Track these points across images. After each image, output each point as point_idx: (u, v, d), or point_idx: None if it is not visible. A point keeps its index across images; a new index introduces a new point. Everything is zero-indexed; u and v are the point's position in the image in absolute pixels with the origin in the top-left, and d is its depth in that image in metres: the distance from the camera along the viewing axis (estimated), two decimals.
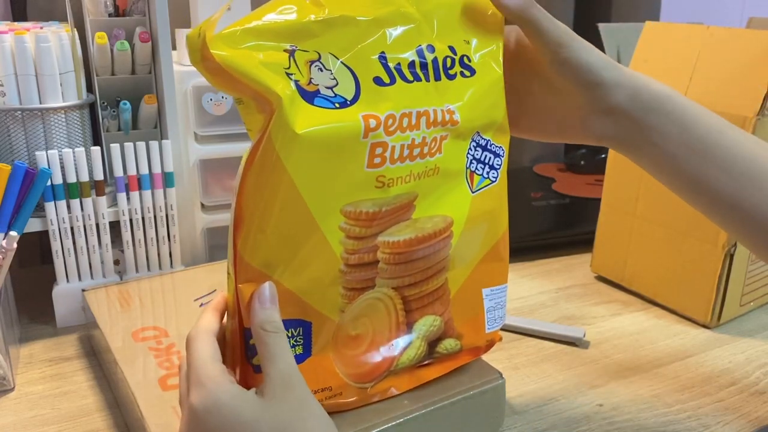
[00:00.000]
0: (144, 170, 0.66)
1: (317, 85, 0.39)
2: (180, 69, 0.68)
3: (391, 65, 0.42)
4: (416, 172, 0.43)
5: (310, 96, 0.39)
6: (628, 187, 0.73)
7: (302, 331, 0.42)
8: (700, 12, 1.40)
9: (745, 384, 0.58)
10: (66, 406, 0.54)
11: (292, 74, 0.39)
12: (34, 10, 0.78)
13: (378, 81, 0.41)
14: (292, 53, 0.39)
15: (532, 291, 0.76)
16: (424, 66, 0.43)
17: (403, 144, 0.42)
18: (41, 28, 0.64)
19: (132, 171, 0.65)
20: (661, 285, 0.72)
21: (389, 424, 0.45)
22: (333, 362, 0.44)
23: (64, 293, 0.66)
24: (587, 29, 1.13)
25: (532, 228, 0.90)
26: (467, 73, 0.46)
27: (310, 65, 0.40)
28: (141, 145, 0.65)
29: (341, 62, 0.41)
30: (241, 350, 0.40)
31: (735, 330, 0.68)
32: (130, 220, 0.67)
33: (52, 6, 0.78)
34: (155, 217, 0.68)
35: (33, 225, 0.63)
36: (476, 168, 0.47)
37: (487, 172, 0.48)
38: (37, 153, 0.61)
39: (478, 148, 0.47)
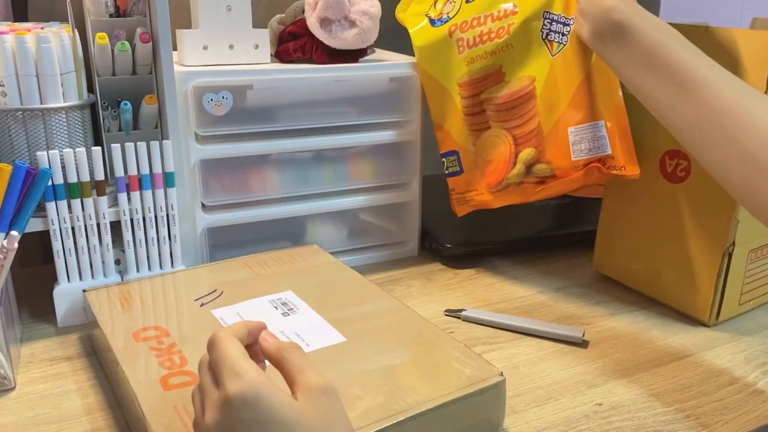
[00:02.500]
0: (145, 170, 0.66)
1: (444, 13, 0.77)
2: (181, 69, 0.68)
3: None
4: (489, 50, 0.73)
5: (435, 22, 0.77)
6: (628, 187, 0.74)
7: (456, 157, 0.79)
8: (699, 12, 1.40)
9: (744, 383, 0.58)
10: (67, 406, 0.55)
11: (428, 13, 0.79)
12: (35, 10, 0.79)
13: (468, 0, 0.75)
14: (435, 1, 0.79)
15: (531, 290, 0.76)
16: None
17: (473, 36, 0.74)
18: (42, 28, 0.64)
19: (133, 171, 0.65)
20: (660, 283, 0.72)
21: (389, 423, 0.45)
22: (475, 175, 0.77)
23: (65, 293, 0.66)
24: None
25: (532, 228, 0.90)
26: None
27: (447, 1, 0.77)
28: (142, 145, 0.65)
29: None
30: None
31: (734, 329, 0.68)
32: (131, 220, 0.67)
33: (52, 6, 0.78)
34: (156, 217, 0.68)
35: (34, 225, 0.63)
36: (554, 37, 0.70)
37: (560, 38, 0.69)
38: (38, 153, 0.61)
39: (553, 23, 0.70)
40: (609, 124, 0.68)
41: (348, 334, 0.56)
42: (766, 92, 0.60)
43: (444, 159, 0.79)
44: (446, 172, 0.79)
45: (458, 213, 0.81)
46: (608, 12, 0.58)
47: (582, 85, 0.68)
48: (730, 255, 0.65)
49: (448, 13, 0.76)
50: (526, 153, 0.72)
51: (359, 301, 0.63)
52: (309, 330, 0.57)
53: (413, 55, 0.79)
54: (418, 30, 0.77)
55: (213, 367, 0.38)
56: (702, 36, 0.67)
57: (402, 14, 0.83)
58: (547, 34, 0.69)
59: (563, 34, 0.68)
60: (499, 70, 0.72)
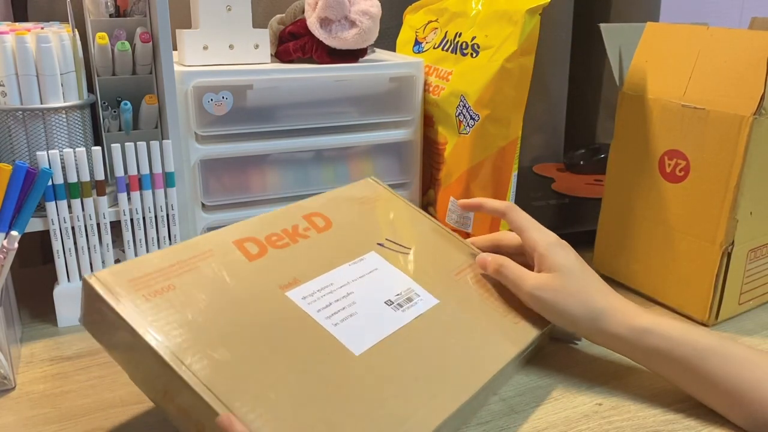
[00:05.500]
0: (145, 170, 0.66)
1: (426, 41, 0.83)
2: (181, 69, 0.68)
3: (446, 39, 0.80)
4: (428, 99, 0.80)
5: (417, 44, 0.84)
6: (628, 186, 0.74)
7: None
8: (699, 12, 1.40)
9: None
10: (67, 405, 0.55)
11: (417, 32, 0.85)
12: (35, 10, 0.79)
13: (436, 46, 0.81)
14: (429, 22, 0.84)
15: None
16: (455, 45, 0.78)
17: (426, 79, 0.80)
18: (42, 28, 0.64)
19: (133, 171, 0.65)
20: (659, 283, 0.72)
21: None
22: None
23: (65, 293, 0.66)
24: (587, 29, 1.13)
25: None
26: (473, 54, 0.75)
27: (433, 30, 0.83)
28: (142, 145, 0.65)
29: (439, 30, 0.82)
30: None
31: (734, 329, 0.68)
32: (131, 220, 0.67)
33: (52, 6, 0.78)
34: (156, 216, 0.68)
35: (34, 225, 0.63)
36: (462, 119, 0.75)
37: (465, 126, 0.75)
38: (38, 153, 0.61)
39: (463, 107, 0.75)
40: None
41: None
42: (764, 92, 0.60)
43: None
44: None
45: None
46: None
47: (468, 172, 0.76)
48: (730, 254, 0.65)
49: (426, 44, 0.83)
50: (430, 193, 0.84)
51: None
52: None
53: None
54: (403, 44, 0.87)
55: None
56: (702, 36, 0.67)
57: (409, 15, 0.88)
58: (459, 114, 0.75)
59: (468, 125, 0.74)
60: (432, 117, 0.80)
